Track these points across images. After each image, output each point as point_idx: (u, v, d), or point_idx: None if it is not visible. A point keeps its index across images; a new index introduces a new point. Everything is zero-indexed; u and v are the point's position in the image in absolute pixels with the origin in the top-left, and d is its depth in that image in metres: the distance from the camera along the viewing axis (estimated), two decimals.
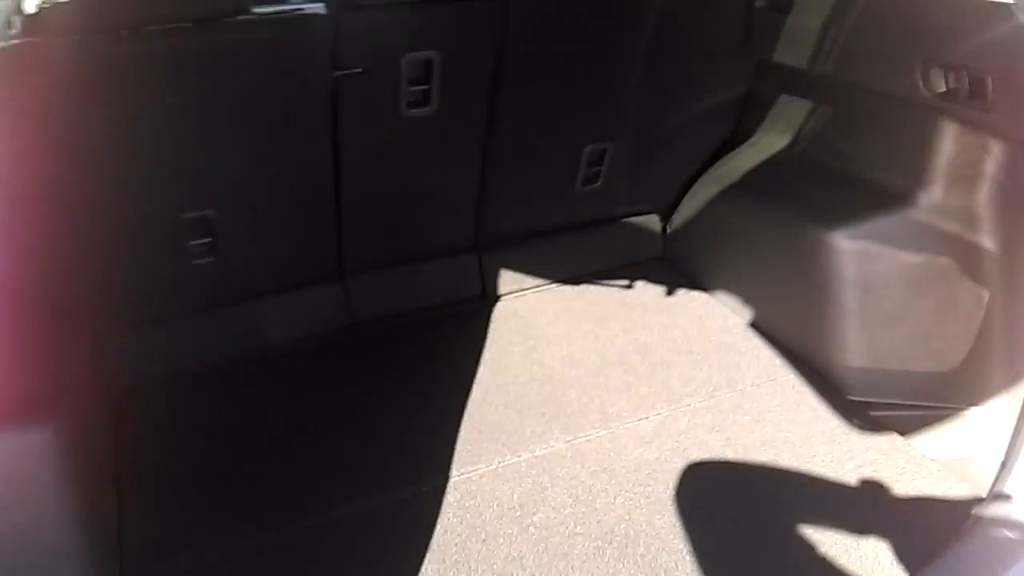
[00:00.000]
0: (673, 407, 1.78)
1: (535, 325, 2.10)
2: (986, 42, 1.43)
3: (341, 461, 1.66)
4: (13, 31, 1.45)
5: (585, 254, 2.30)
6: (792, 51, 1.91)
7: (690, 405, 1.79)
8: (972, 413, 1.72)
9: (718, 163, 2.23)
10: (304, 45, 1.63)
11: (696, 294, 2.20)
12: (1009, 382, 1.64)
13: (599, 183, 2.15)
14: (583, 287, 2.25)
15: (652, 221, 2.37)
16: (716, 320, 2.08)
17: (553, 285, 2.24)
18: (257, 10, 1.64)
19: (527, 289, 2.22)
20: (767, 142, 2.09)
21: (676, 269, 2.32)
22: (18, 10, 1.93)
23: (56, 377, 1.71)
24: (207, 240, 1.80)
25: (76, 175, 1.58)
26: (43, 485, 1.33)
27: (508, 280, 2.22)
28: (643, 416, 1.76)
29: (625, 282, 2.26)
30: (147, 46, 1.49)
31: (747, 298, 2.06)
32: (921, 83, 1.57)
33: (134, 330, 1.88)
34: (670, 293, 2.22)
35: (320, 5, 1.70)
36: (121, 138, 1.58)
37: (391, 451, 1.68)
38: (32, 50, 1.45)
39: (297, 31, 1.63)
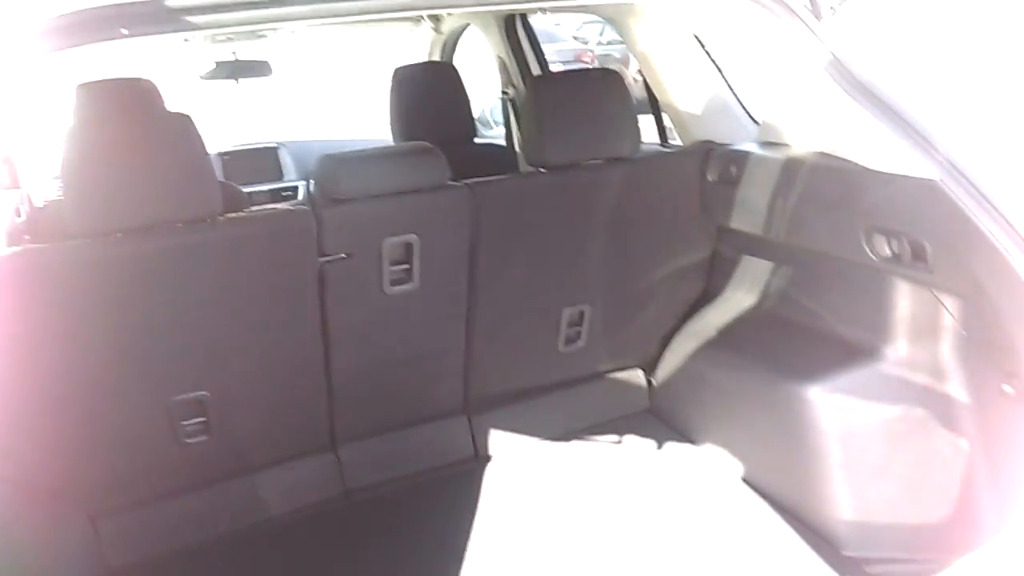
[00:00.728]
0: (670, 567, 1.77)
1: (527, 486, 2.12)
2: (918, 213, 1.53)
3: None
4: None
5: (573, 411, 2.34)
6: (746, 218, 2.03)
7: (687, 564, 1.78)
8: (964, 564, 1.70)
9: (694, 319, 2.31)
10: (290, 237, 1.75)
11: (686, 447, 2.21)
12: (998, 531, 1.63)
13: (581, 342, 2.22)
14: (573, 443, 2.27)
15: (637, 375, 2.43)
16: (707, 475, 2.09)
17: (544, 443, 2.27)
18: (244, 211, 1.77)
19: (518, 449, 2.25)
20: (736, 299, 2.17)
21: (664, 422, 2.35)
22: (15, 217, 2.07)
23: (52, 557, 1.73)
24: (201, 420, 1.85)
25: (72, 363, 1.65)
26: None
27: (499, 441, 2.25)
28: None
29: (615, 438, 2.29)
30: (139, 246, 1.59)
31: (735, 452, 2.08)
32: (867, 248, 1.67)
33: (129, 510, 1.91)
34: (659, 447, 2.24)
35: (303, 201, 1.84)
36: (115, 329, 1.66)
37: None
38: (30, 254, 1.56)
39: (283, 225, 1.74)
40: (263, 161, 3.82)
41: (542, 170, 1.95)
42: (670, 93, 2.32)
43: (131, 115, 1.68)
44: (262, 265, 1.74)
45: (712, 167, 2.09)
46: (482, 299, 2.02)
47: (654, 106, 2.53)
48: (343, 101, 4.97)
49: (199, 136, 1.61)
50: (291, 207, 1.80)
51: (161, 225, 1.60)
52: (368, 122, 4.37)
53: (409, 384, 2.13)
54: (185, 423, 1.84)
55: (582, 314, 2.18)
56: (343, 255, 1.80)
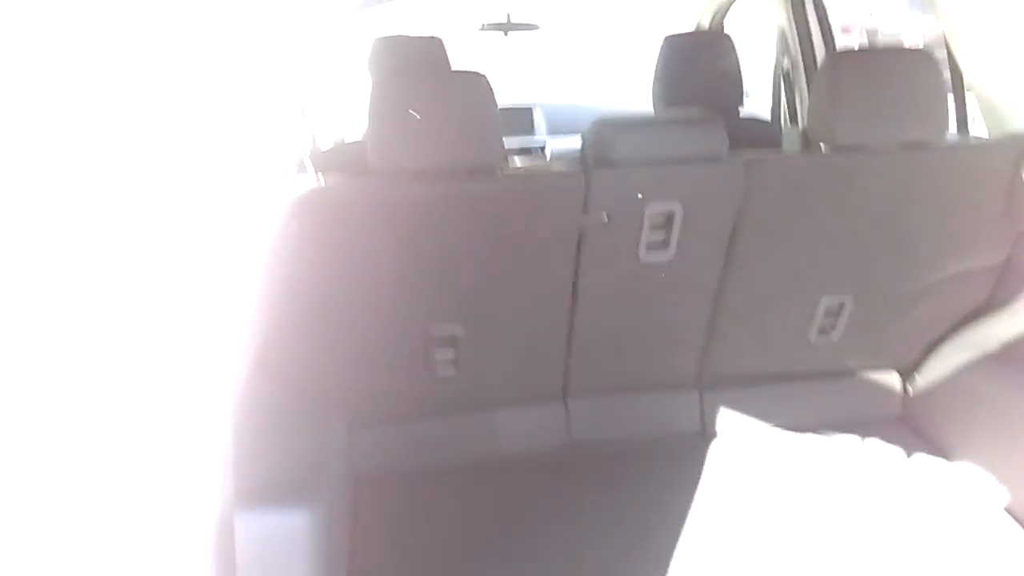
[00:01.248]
0: None
1: (751, 473, 2.05)
2: None
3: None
4: (307, 169, 1.73)
5: (814, 404, 2.22)
6: None
7: None
8: None
9: (972, 327, 2.08)
10: (560, 196, 1.79)
11: (940, 463, 2.03)
12: None
13: (835, 335, 2.09)
14: (808, 437, 2.16)
15: (891, 378, 2.25)
16: (962, 496, 1.90)
17: (776, 431, 2.18)
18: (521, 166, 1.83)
19: (748, 433, 2.18)
20: None
21: (917, 433, 2.16)
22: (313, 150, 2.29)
23: (311, 463, 1.94)
24: (452, 356, 1.97)
25: (352, 286, 1.82)
26: (290, 568, 1.49)
27: (728, 421, 2.19)
28: None
29: (857, 440, 2.15)
30: (428, 189, 1.71)
31: (1002, 477, 1.87)
32: None
33: (380, 424, 2.10)
34: (909, 457, 2.07)
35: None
36: (393, 259, 1.80)
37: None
38: (337, 184, 1.72)
39: (555, 184, 1.79)
40: (518, 118, 3.97)
41: (825, 149, 1.83)
42: (981, 74, 2.08)
43: (431, 69, 1.80)
44: (530, 219, 1.80)
45: None
46: (736, 276, 1.96)
47: (957, 89, 2.28)
48: (603, 65, 4.97)
49: (491, 93, 1.69)
50: (565, 168, 1.83)
51: (449, 171, 1.70)
52: (625, 89, 4.40)
53: (646, 350, 2.13)
54: (439, 357, 1.97)
55: (842, 306, 2.04)
56: (604, 218, 1.82)
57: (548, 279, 1.93)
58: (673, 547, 1.81)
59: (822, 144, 1.84)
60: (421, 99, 1.67)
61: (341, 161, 2.20)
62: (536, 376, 2.14)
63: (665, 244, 1.88)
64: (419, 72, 1.83)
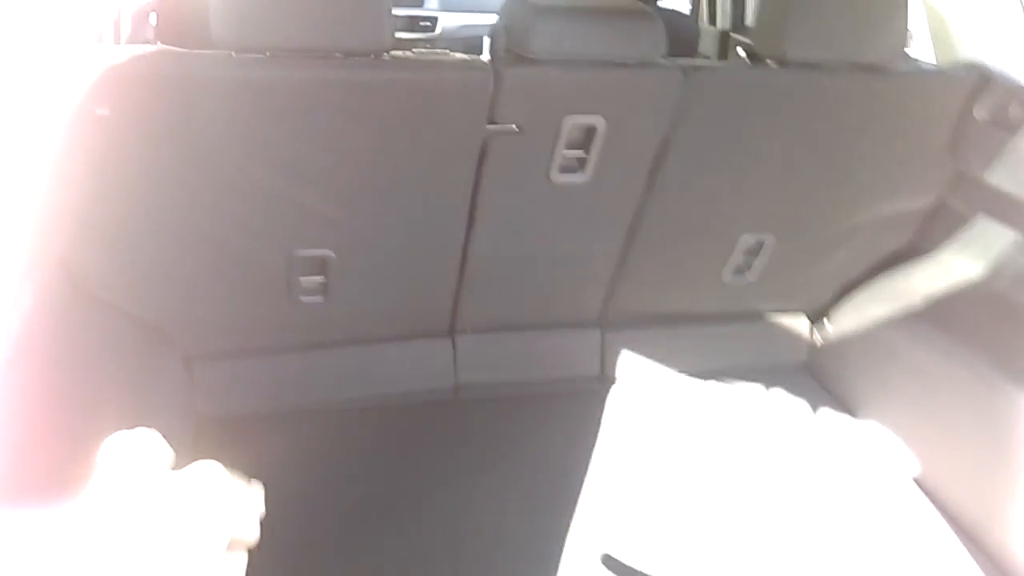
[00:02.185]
0: (798, 561, 1.52)
1: (651, 419, 1.88)
2: None
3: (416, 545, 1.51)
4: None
5: (720, 348, 2.05)
6: (1011, 175, 1.61)
7: (825, 559, 1.53)
8: None
9: (889, 274, 1.94)
10: (461, 93, 1.43)
11: (845, 419, 1.92)
12: None
13: (750, 275, 1.90)
14: (711, 384, 2.00)
15: (799, 323, 2.10)
16: (871, 461, 1.80)
17: (680, 376, 2.00)
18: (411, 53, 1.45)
19: (649, 377, 1.99)
20: (956, 266, 1.79)
21: (821, 383, 2.04)
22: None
23: (142, 392, 1.59)
24: (319, 279, 1.64)
25: (193, 187, 1.44)
26: None
27: (630, 364, 1.99)
28: (748, 563, 1.51)
29: (760, 388, 2.00)
30: (285, 74, 1.32)
31: (910, 442, 1.77)
32: None
33: (227, 359, 1.75)
34: (813, 411, 1.95)
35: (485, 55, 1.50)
36: (246, 159, 1.42)
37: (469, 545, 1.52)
38: (167, 56, 1.30)
39: (456, 76, 1.42)
40: None
41: (771, 63, 1.56)
42: None
43: None
44: (422, 120, 1.44)
45: (983, 102, 1.65)
46: (656, 206, 1.70)
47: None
48: None
49: None
50: (469, 58, 1.46)
51: (319, 52, 1.31)
52: None
53: (548, 284, 1.86)
54: (303, 279, 1.63)
55: (762, 244, 1.83)
56: (514, 127, 1.49)
57: (440, 195, 1.60)
58: (565, 502, 1.62)
59: (768, 60, 1.57)
60: None
61: (175, 27, 1.74)
62: (420, 308, 1.83)
63: (581, 165, 1.58)
64: None
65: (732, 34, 2.71)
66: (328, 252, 1.59)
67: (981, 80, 1.64)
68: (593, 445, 1.79)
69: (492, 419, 1.85)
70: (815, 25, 1.49)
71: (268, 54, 1.30)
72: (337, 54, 1.33)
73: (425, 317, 1.85)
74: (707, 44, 2.75)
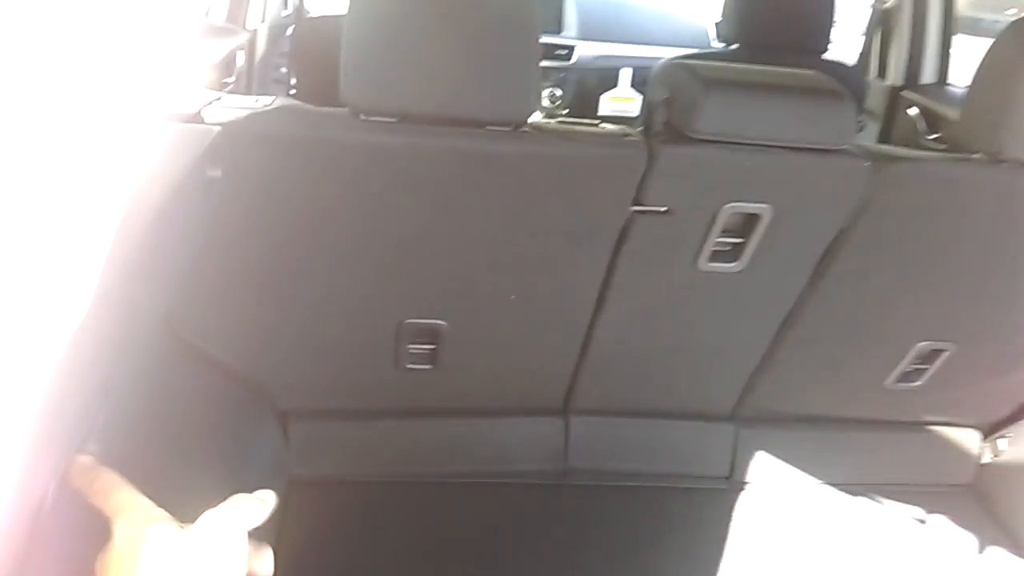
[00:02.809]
0: None
1: (787, 530, 1.65)
2: None
3: None
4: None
5: (871, 459, 1.79)
6: None
7: None
8: None
9: None
10: (607, 171, 1.26)
11: (1011, 555, 1.62)
12: None
13: (919, 382, 1.63)
14: (859, 499, 1.74)
15: (968, 438, 1.81)
16: None
17: (821, 486, 1.75)
18: (561, 122, 1.29)
19: (787, 483, 1.75)
20: None
21: (988, 508, 1.75)
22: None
23: (234, 448, 1.50)
24: (430, 347, 1.50)
25: (302, 250, 1.33)
26: None
27: (765, 466, 1.76)
28: None
29: (917, 508, 1.73)
30: (415, 141, 1.18)
31: None
32: None
33: (326, 420, 1.64)
34: (977, 540, 1.67)
35: (638, 130, 1.31)
36: (361, 225, 1.30)
37: None
38: (288, 112, 1.19)
39: (604, 153, 1.25)
40: (545, 6, 3.33)
41: (980, 156, 1.31)
42: None
43: None
44: (560, 197, 1.28)
45: None
46: (817, 303, 1.47)
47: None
48: None
49: (532, 14, 1.13)
50: (623, 133, 1.28)
51: (452, 121, 1.17)
52: None
53: (678, 373, 1.66)
54: (411, 346, 1.49)
55: (938, 353, 1.57)
56: (663, 209, 1.30)
57: (570, 275, 1.43)
58: None
59: (977, 152, 1.31)
60: (421, 17, 1.11)
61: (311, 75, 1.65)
62: (534, 385, 1.66)
63: (736, 254, 1.38)
64: None
65: (904, 92, 2.41)
66: (440, 322, 1.45)
67: None
68: (716, 554, 1.58)
69: (602, 510, 1.66)
70: None
71: (398, 119, 1.17)
72: (474, 123, 1.19)
73: (538, 394, 1.68)
74: (875, 100, 2.46)
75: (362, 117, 1.16)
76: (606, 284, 1.43)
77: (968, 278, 1.45)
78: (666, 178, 1.25)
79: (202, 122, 1.11)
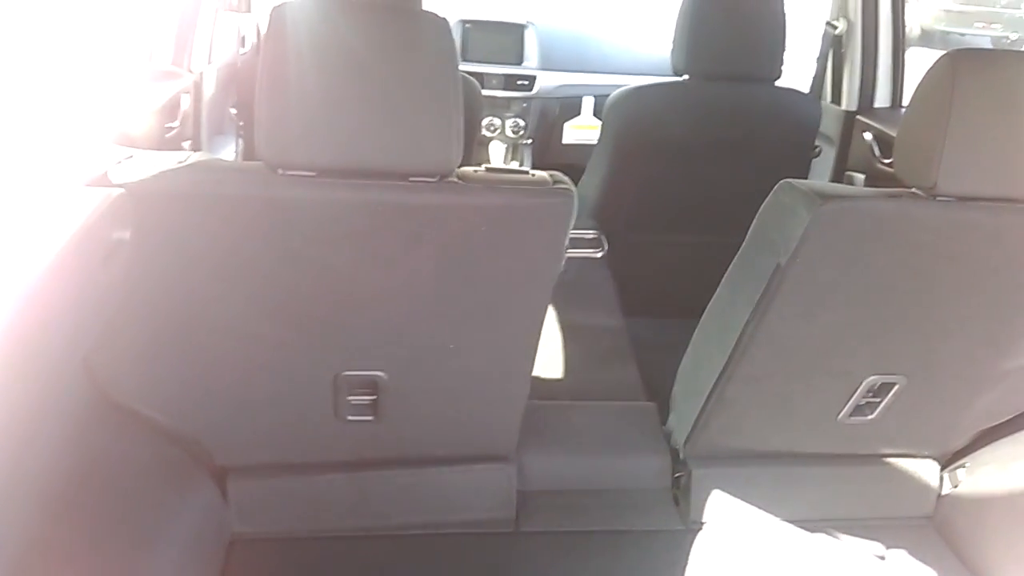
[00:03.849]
0: None
1: (747, 566, 1.62)
2: None
3: None
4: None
5: (828, 493, 1.75)
6: None
7: None
8: None
9: None
10: (536, 219, 1.24)
11: None
12: None
13: (872, 415, 1.61)
14: (818, 536, 1.70)
15: (927, 469, 1.78)
16: None
17: (779, 523, 1.72)
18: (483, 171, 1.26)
19: (743, 522, 1.71)
20: None
21: (948, 541, 1.72)
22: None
23: (174, 509, 1.46)
24: (370, 398, 1.46)
25: (229, 309, 1.30)
26: None
27: (719, 505, 1.72)
28: None
29: (876, 543, 1.69)
30: (335, 195, 1.16)
31: None
32: None
33: (265, 476, 1.59)
34: (941, 575, 1.64)
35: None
36: (292, 286, 1.27)
37: None
38: (204, 169, 1.16)
39: (531, 203, 1.23)
40: (505, 38, 3.35)
41: (918, 192, 1.29)
42: None
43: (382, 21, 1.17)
44: (490, 245, 1.25)
45: None
46: (760, 339, 1.45)
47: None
48: None
49: (453, 53, 1.12)
50: (549, 179, 1.26)
51: (375, 175, 1.14)
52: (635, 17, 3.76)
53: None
54: (351, 398, 1.46)
55: (889, 386, 1.55)
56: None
57: (510, 323, 1.40)
58: None
59: (913, 188, 1.30)
60: (336, 68, 1.09)
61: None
62: (482, 431, 1.63)
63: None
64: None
65: (859, 117, 2.42)
66: (379, 373, 1.42)
67: None
68: None
69: (556, 557, 1.62)
70: (976, 158, 1.22)
71: (317, 173, 1.14)
72: (396, 176, 1.16)
73: (486, 440, 1.65)
74: (830, 126, 2.47)
75: (280, 172, 1.14)
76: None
77: (912, 312, 1.43)
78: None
79: (109, 183, 1.08)
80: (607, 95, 2.39)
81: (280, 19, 1.07)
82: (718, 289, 1.56)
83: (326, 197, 1.16)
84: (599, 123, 2.96)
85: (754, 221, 1.43)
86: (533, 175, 1.26)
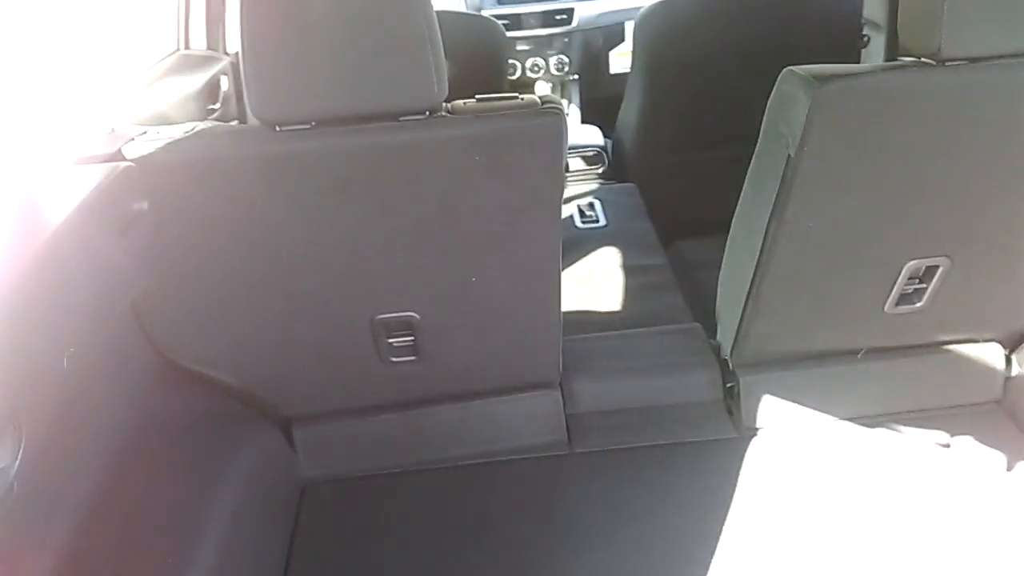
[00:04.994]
0: None
1: (804, 473, 1.61)
2: None
3: None
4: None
5: (886, 388, 1.71)
6: None
7: None
8: None
9: None
10: (528, 142, 1.26)
11: None
12: None
13: (920, 303, 1.56)
14: (878, 431, 1.67)
15: (991, 352, 1.71)
16: None
17: (837, 423, 1.70)
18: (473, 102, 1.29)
19: (798, 424, 1.70)
20: None
21: (1020, 424, 1.66)
22: None
23: (243, 458, 1.58)
24: (409, 338, 1.53)
25: (266, 265, 1.38)
26: None
27: (772, 412, 1.71)
28: None
29: (942, 432, 1.65)
30: (330, 143, 1.22)
31: None
32: None
33: (328, 421, 1.70)
34: (1010, 458, 1.58)
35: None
36: (309, 238, 1.34)
37: None
38: (208, 136, 1.24)
39: (520, 126, 1.25)
40: None
41: (927, 61, 1.23)
42: None
43: None
44: (488, 174, 1.29)
45: None
46: (784, 237, 1.42)
47: None
48: None
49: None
50: (543, 102, 1.27)
51: (364, 118, 1.19)
52: None
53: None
54: (391, 340, 1.53)
55: (933, 269, 1.49)
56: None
57: (524, 249, 1.43)
58: (699, 564, 1.42)
59: (920, 57, 1.24)
60: (315, 23, 1.14)
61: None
62: (521, 360, 1.68)
63: None
64: None
65: None
66: (412, 314, 1.48)
67: None
68: (730, 505, 1.55)
69: (613, 473, 1.66)
70: (980, 14, 1.16)
71: (313, 124, 1.20)
72: (388, 117, 1.21)
73: (528, 369, 1.69)
74: (874, 8, 2.31)
75: (277, 128, 1.20)
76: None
77: (938, 187, 1.37)
78: None
79: (123, 159, 1.17)
80: None
81: None
82: (742, 193, 1.54)
83: (323, 146, 1.21)
84: None
85: (765, 115, 1.40)
86: (522, 99, 1.27)
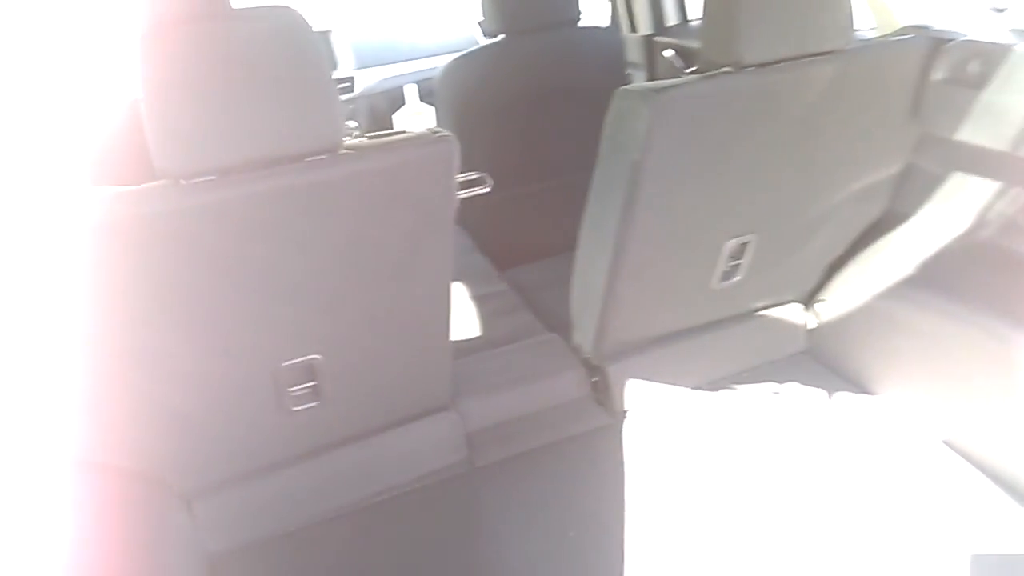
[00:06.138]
0: (850, 540, 1.50)
1: (673, 439, 1.83)
2: None
3: None
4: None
5: (719, 355, 2.02)
6: (985, 129, 1.61)
7: (874, 534, 1.51)
8: None
9: (874, 245, 1.93)
10: (426, 169, 1.37)
11: (860, 397, 1.89)
12: None
13: (738, 276, 1.86)
14: (722, 393, 1.96)
15: (794, 312, 2.08)
16: (894, 430, 1.77)
17: (689, 392, 1.96)
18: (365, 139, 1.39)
19: (660, 401, 1.94)
20: (936, 224, 1.78)
21: (827, 365, 2.02)
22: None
23: (144, 545, 1.48)
24: (310, 384, 1.55)
25: (159, 326, 1.35)
26: None
27: (637, 391, 1.94)
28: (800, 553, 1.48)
29: (771, 383, 1.97)
30: (235, 192, 1.24)
31: (931, 406, 1.75)
32: None
33: (227, 488, 1.65)
34: (828, 394, 1.93)
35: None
36: (220, 288, 1.34)
37: None
38: (109, 200, 1.21)
39: (419, 154, 1.36)
40: None
41: (728, 70, 1.53)
42: None
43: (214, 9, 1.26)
44: (391, 204, 1.38)
45: (941, 63, 1.65)
46: (633, 234, 1.65)
47: None
48: None
49: (319, 51, 1.23)
50: (432, 132, 1.40)
51: (269, 163, 1.24)
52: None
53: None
54: (292, 389, 1.54)
55: (744, 246, 1.81)
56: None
57: (422, 274, 1.53)
58: (609, 545, 1.57)
59: (723, 67, 1.54)
60: (215, 73, 1.17)
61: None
62: (417, 388, 1.75)
63: None
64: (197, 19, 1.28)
65: (656, 38, 2.70)
66: (315, 356, 1.51)
67: (934, 43, 1.65)
68: (616, 484, 1.72)
69: (516, 477, 1.78)
70: (766, 27, 1.47)
71: (217, 175, 1.22)
72: (292, 160, 1.26)
73: (425, 394, 1.78)
74: (634, 52, 2.74)
75: (182, 182, 1.21)
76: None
77: (746, 174, 1.68)
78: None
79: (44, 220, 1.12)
80: (429, 78, 2.54)
81: (149, 46, 1.14)
82: (587, 206, 1.75)
83: (231, 195, 1.24)
84: (425, 107, 3.12)
85: (603, 133, 1.63)
86: (411, 133, 1.39)
